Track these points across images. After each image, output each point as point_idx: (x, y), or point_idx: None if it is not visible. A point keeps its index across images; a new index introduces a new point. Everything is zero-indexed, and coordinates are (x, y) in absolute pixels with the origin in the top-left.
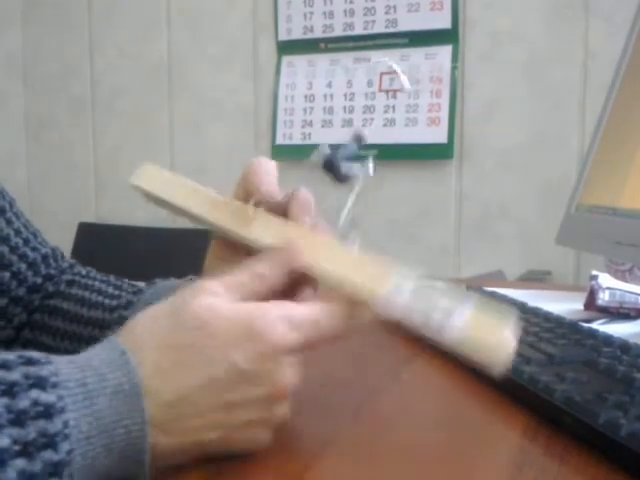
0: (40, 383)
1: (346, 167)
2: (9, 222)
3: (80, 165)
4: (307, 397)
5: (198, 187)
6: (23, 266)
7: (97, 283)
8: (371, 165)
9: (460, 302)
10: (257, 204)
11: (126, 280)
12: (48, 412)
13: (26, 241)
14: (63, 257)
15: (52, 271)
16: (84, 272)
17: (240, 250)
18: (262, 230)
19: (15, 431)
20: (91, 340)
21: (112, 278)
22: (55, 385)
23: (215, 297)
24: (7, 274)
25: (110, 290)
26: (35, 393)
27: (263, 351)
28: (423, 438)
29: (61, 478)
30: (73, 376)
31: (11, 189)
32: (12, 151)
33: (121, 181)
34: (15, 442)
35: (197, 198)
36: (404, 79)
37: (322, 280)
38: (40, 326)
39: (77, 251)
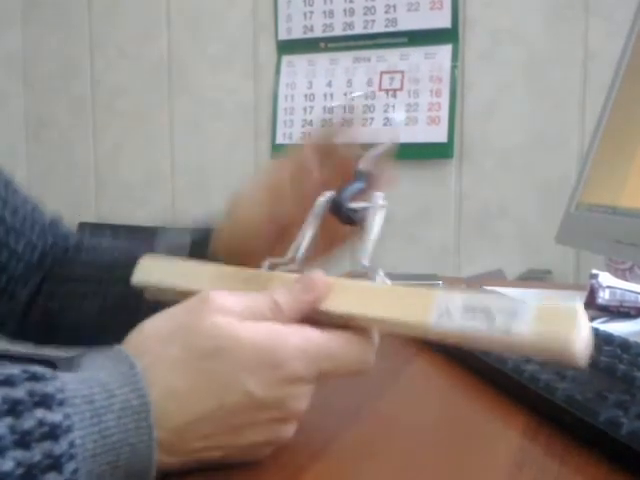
0: (46, 401)
1: (352, 208)
2: (15, 193)
3: (80, 165)
4: None
5: (202, 264)
6: (34, 235)
7: (107, 240)
8: (381, 202)
9: (518, 301)
10: (272, 267)
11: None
12: (54, 433)
13: (34, 209)
14: (62, 221)
15: (60, 233)
16: (89, 237)
17: (246, 241)
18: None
19: (19, 454)
20: (121, 281)
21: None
22: (61, 403)
23: (229, 316)
24: (22, 244)
25: (126, 243)
26: (40, 413)
27: (279, 381)
28: (423, 438)
29: None
30: (80, 392)
31: None
32: (12, 150)
33: (121, 181)
34: (19, 464)
35: (201, 274)
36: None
37: (363, 324)
38: (59, 278)
39: None
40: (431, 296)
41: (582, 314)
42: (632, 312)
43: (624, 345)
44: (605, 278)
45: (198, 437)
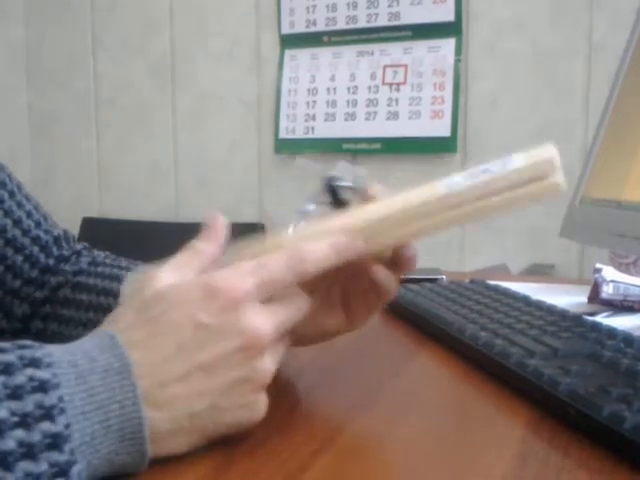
0: (35, 363)
1: (343, 185)
2: (20, 205)
3: (84, 160)
4: (309, 392)
5: None
6: (36, 248)
7: (123, 262)
8: (364, 180)
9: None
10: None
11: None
12: (43, 387)
13: (38, 224)
14: (74, 239)
15: (65, 252)
16: (103, 255)
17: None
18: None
19: (13, 404)
20: None
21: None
22: (49, 365)
23: (168, 278)
24: (20, 257)
25: (140, 268)
26: (30, 371)
27: (222, 303)
28: (427, 431)
29: (61, 452)
30: (65, 357)
31: None
32: (16, 146)
33: (125, 176)
34: (13, 414)
35: None
36: None
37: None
38: (62, 301)
39: None
40: (434, 183)
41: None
42: (636, 306)
43: (627, 339)
44: (609, 272)
45: (171, 381)
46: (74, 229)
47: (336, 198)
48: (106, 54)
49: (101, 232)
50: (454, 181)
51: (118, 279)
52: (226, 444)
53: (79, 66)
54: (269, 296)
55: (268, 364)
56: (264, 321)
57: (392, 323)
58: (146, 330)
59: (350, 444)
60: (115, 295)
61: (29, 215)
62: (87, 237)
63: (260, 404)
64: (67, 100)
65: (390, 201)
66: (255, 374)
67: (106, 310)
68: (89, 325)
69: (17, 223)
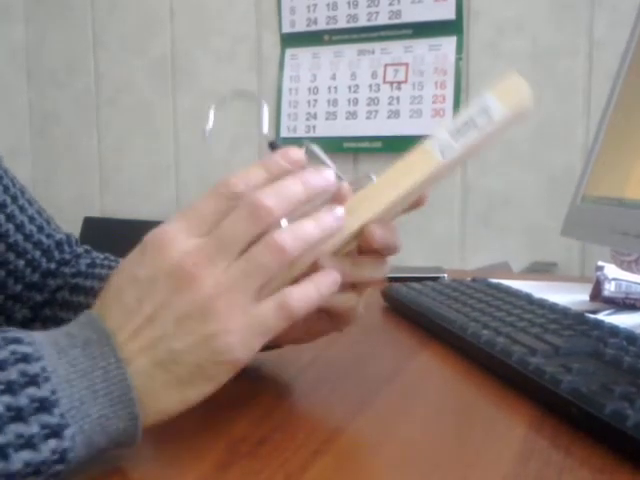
0: (17, 340)
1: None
2: (22, 209)
3: (85, 159)
4: (310, 391)
5: None
6: (37, 253)
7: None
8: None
9: (479, 98)
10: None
11: None
12: (26, 358)
13: (40, 228)
14: (77, 243)
15: (67, 256)
16: (102, 256)
17: None
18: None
19: None
20: None
21: None
22: (31, 343)
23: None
24: (22, 262)
25: None
26: (13, 347)
27: (151, 252)
28: (428, 429)
29: (51, 415)
30: (45, 338)
31: None
32: (17, 146)
33: (126, 175)
34: None
35: None
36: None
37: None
38: (60, 303)
39: (83, 245)
40: (424, 148)
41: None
42: (638, 304)
43: (630, 337)
44: (611, 270)
45: (128, 338)
46: (75, 229)
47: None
48: (106, 53)
49: (102, 232)
50: (446, 145)
51: None
52: (226, 443)
53: (80, 66)
54: (197, 233)
55: (204, 289)
56: (190, 250)
57: (394, 322)
58: (102, 299)
59: (351, 443)
60: None
61: (31, 220)
62: (88, 237)
63: (219, 338)
64: (68, 100)
65: (394, 182)
66: (192, 305)
67: None
68: None
69: (19, 228)
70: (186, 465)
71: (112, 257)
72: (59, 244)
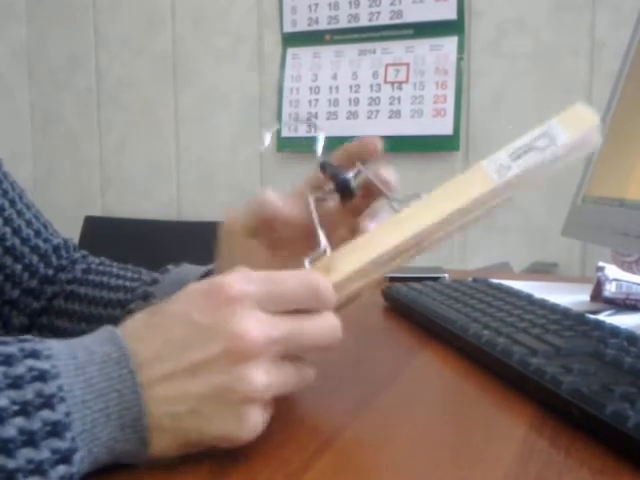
0: (34, 354)
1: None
2: (20, 213)
3: (86, 158)
4: (310, 390)
5: None
6: (35, 258)
7: (115, 269)
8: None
9: (543, 127)
10: (312, 262)
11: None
12: (43, 376)
13: (37, 232)
14: (75, 248)
15: (64, 262)
16: (98, 261)
17: (257, 239)
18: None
19: (13, 393)
20: (112, 320)
21: (129, 266)
22: (49, 357)
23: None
24: (19, 266)
25: (129, 274)
26: (30, 362)
27: (217, 301)
28: (429, 429)
29: (63, 439)
30: (64, 351)
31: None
32: (18, 145)
33: (127, 174)
34: (13, 402)
35: None
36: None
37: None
38: (57, 311)
39: (83, 244)
40: (480, 167)
41: (588, 108)
42: (638, 305)
43: (631, 338)
44: (612, 271)
45: (158, 378)
46: (76, 227)
47: (345, 187)
48: (108, 52)
49: (103, 231)
50: (503, 165)
51: (108, 287)
52: None
53: (81, 64)
54: (273, 310)
55: (258, 374)
56: (256, 325)
57: (394, 321)
58: (144, 320)
59: (352, 443)
60: (105, 304)
61: (29, 224)
62: (89, 236)
63: (250, 419)
64: (69, 98)
65: (445, 200)
66: (240, 383)
67: (97, 320)
68: (93, 319)
69: (16, 232)
70: (185, 465)
71: (107, 262)
72: (56, 249)
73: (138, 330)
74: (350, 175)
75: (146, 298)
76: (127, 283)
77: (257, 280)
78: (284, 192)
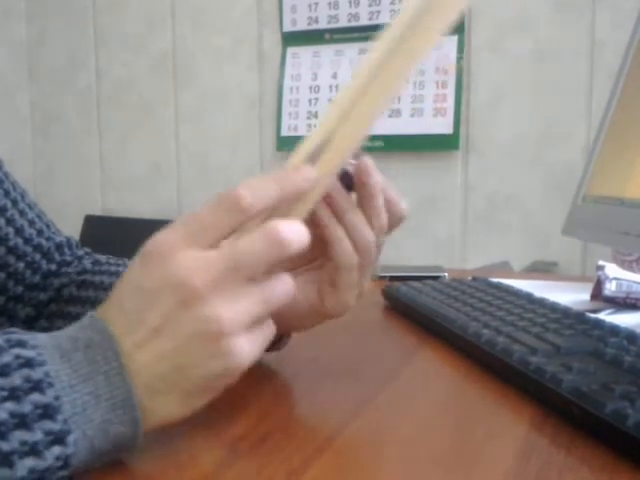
0: (20, 343)
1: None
2: (22, 213)
3: (86, 157)
4: (311, 389)
5: None
6: (37, 256)
7: (128, 262)
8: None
9: None
10: None
11: None
12: (30, 363)
13: (40, 232)
14: (78, 245)
15: (67, 258)
16: (104, 257)
17: None
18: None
19: (1, 380)
20: None
21: None
22: (34, 346)
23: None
24: (22, 264)
25: None
26: (16, 350)
27: (151, 262)
28: (429, 428)
29: (54, 421)
30: (49, 341)
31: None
32: (18, 144)
33: (127, 173)
34: (2, 388)
35: None
36: None
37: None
38: (67, 299)
39: (83, 244)
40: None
41: None
42: (639, 304)
43: (630, 337)
44: (612, 270)
45: (133, 346)
46: (76, 227)
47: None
48: (108, 52)
49: (103, 230)
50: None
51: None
52: (227, 442)
53: (81, 64)
54: (206, 241)
55: (216, 308)
56: (192, 266)
57: (394, 321)
58: (108, 301)
59: (352, 441)
60: None
61: (31, 223)
62: (89, 235)
63: (236, 350)
64: (69, 98)
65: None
66: (203, 323)
67: None
68: None
69: (19, 231)
70: (187, 463)
71: (113, 259)
72: (59, 247)
73: (106, 311)
74: (349, 167)
75: None
76: None
77: (178, 224)
78: None
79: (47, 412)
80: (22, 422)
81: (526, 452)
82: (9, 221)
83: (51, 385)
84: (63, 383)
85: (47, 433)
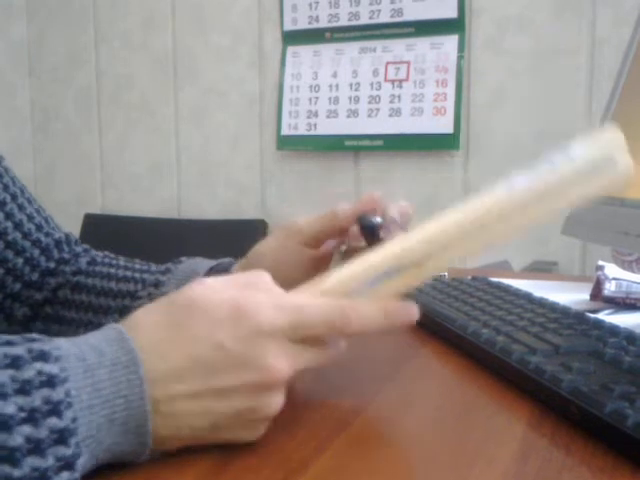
0: (43, 356)
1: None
2: (21, 208)
3: (86, 156)
4: (311, 388)
5: None
6: (36, 251)
7: (121, 262)
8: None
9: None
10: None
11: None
12: (51, 381)
13: (39, 227)
14: (77, 242)
15: (66, 255)
16: (102, 254)
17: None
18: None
19: (21, 399)
20: (121, 310)
21: (136, 259)
22: (58, 359)
23: (205, 286)
24: (20, 260)
25: (137, 266)
26: (39, 365)
27: (248, 331)
28: (428, 427)
29: (67, 446)
30: (72, 351)
31: None
32: (18, 142)
33: (127, 172)
34: (21, 409)
35: None
36: None
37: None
38: (62, 301)
39: (83, 242)
40: (495, 187)
41: (614, 128)
42: (638, 304)
43: (630, 337)
44: (611, 270)
45: (183, 395)
46: (76, 225)
47: (375, 238)
48: (108, 50)
49: (103, 229)
50: (514, 180)
51: (115, 278)
52: (226, 441)
53: (81, 62)
54: (298, 339)
55: (279, 398)
56: (287, 363)
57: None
58: (165, 334)
59: (351, 441)
60: (114, 295)
61: (30, 218)
62: (89, 233)
63: (261, 429)
64: (69, 96)
65: (436, 221)
66: (264, 407)
67: (105, 311)
68: (90, 327)
69: (18, 226)
70: (186, 463)
71: (111, 255)
72: (58, 243)
73: (157, 342)
74: (377, 222)
75: (157, 286)
76: (136, 274)
77: (285, 311)
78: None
79: (62, 437)
80: (37, 448)
81: (525, 452)
82: (8, 215)
83: (70, 406)
84: (82, 403)
85: (59, 459)
